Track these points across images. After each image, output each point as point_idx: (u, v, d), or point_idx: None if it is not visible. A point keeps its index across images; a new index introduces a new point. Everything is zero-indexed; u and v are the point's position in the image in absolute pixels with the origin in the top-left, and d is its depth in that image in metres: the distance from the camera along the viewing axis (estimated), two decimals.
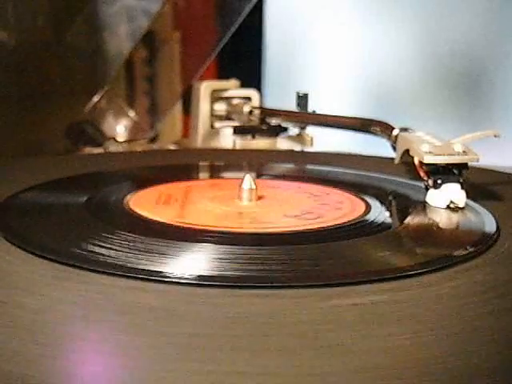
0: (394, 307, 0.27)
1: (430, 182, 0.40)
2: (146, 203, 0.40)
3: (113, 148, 0.71)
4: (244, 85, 0.70)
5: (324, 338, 0.24)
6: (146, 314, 0.26)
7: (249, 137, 0.65)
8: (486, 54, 1.08)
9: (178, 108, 0.78)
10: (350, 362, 0.23)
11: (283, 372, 0.22)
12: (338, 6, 1.12)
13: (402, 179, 0.47)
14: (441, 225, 0.38)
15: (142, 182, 0.46)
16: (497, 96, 1.08)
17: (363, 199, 0.42)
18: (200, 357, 0.23)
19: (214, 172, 0.53)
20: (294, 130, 0.65)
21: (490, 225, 0.37)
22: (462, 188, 0.40)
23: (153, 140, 0.75)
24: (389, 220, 0.39)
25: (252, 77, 0.93)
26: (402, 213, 0.40)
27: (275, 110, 0.64)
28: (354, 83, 1.13)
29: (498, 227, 0.36)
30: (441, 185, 0.40)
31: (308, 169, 0.54)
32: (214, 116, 0.68)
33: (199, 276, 0.29)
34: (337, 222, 0.37)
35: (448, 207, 0.40)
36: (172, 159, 0.57)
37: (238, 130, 0.66)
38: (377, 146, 0.53)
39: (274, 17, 1.03)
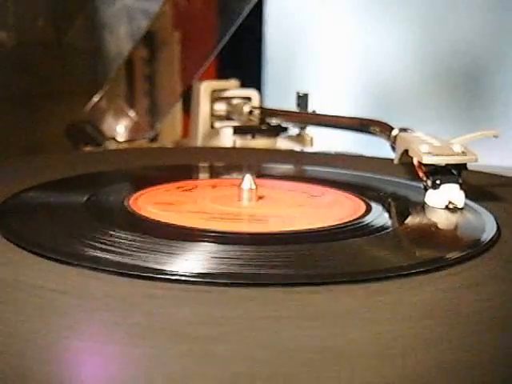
0: (392, 307, 0.27)
1: (429, 183, 0.40)
2: (146, 203, 0.40)
3: (113, 148, 0.71)
4: (244, 85, 0.70)
5: (322, 336, 0.24)
6: (146, 312, 0.26)
7: (249, 137, 0.65)
8: (486, 53, 1.08)
9: (178, 108, 0.78)
10: (349, 359, 0.23)
11: (288, 371, 0.22)
12: (338, 6, 1.12)
13: (401, 180, 0.47)
14: (440, 225, 0.38)
15: (141, 181, 0.46)
16: (497, 96, 1.08)
17: (363, 199, 0.42)
18: (199, 356, 0.23)
19: (214, 172, 0.53)
20: (294, 130, 0.65)
21: (489, 225, 0.37)
22: (461, 188, 0.40)
23: (153, 140, 0.75)
24: (388, 220, 0.39)
25: (252, 77, 0.93)
26: (402, 213, 0.40)
27: (275, 110, 0.64)
28: (354, 83, 1.13)
29: (498, 227, 0.36)
30: (440, 185, 0.40)
31: (308, 169, 0.54)
32: (214, 116, 0.68)
33: (199, 274, 0.29)
34: (337, 223, 0.37)
35: (447, 208, 0.40)
36: (172, 159, 0.57)
37: (237, 130, 0.66)
38: (376, 146, 0.53)
39: (273, 17, 1.03)
